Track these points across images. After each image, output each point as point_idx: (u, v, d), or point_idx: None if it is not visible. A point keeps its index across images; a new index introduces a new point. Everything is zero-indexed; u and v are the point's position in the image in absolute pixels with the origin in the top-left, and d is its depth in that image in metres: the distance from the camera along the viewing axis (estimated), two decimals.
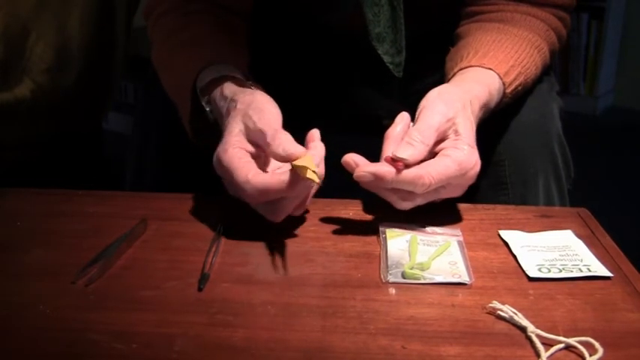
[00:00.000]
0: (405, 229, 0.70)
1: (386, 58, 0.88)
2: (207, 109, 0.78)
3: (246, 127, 0.70)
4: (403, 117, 0.72)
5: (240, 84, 0.76)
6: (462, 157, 0.68)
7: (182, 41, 0.85)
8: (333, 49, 0.97)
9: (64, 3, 1.26)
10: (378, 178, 0.66)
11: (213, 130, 0.80)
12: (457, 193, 0.71)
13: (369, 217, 0.75)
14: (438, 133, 0.69)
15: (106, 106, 1.50)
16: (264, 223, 0.72)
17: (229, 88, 0.75)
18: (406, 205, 0.69)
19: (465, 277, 0.62)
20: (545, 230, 0.71)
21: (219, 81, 0.77)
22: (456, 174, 0.67)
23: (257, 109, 0.70)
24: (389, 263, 0.64)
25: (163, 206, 0.76)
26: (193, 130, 0.81)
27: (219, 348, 0.52)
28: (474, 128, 0.72)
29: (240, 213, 0.74)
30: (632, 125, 2.86)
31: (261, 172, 0.67)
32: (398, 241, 0.68)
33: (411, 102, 1.00)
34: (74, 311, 0.57)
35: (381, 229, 0.71)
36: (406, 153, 0.66)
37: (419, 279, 0.62)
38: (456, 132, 0.70)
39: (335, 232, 0.71)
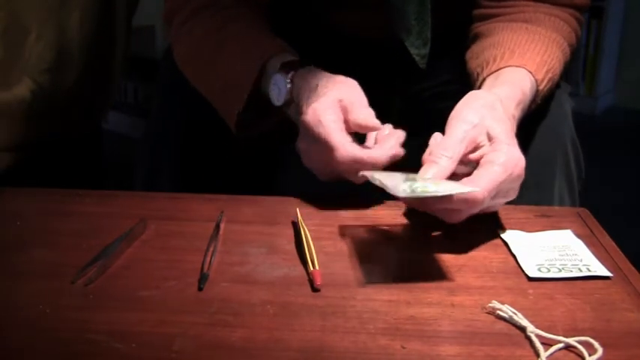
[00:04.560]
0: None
1: (412, 50, 0.89)
2: (288, 86, 0.79)
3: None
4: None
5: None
6: (504, 158, 0.67)
7: (231, 36, 0.85)
8: (338, 49, 0.96)
9: (64, 3, 1.27)
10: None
11: (262, 122, 0.84)
12: (512, 195, 0.70)
13: (369, 217, 0.75)
14: (466, 144, 0.68)
15: (105, 106, 1.50)
16: (264, 222, 0.72)
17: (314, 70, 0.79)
18: (458, 219, 0.68)
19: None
20: (544, 230, 0.71)
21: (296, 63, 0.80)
22: (503, 177, 0.66)
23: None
24: (391, 184, 0.63)
25: (162, 206, 0.76)
26: (239, 121, 0.82)
27: (218, 348, 0.52)
28: (511, 126, 0.71)
29: (240, 212, 0.74)
30: (632, 125, 2.86)
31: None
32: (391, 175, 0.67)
33: (414, 102, 1.00)
34: (74, 311, 0.57)
35: (367, 174, 0.68)
36: (431, 172, 0.66)
37: (429, 192, 0.62)
38: (489, 135, 0.69)
39: (335, 232, 0.71)
